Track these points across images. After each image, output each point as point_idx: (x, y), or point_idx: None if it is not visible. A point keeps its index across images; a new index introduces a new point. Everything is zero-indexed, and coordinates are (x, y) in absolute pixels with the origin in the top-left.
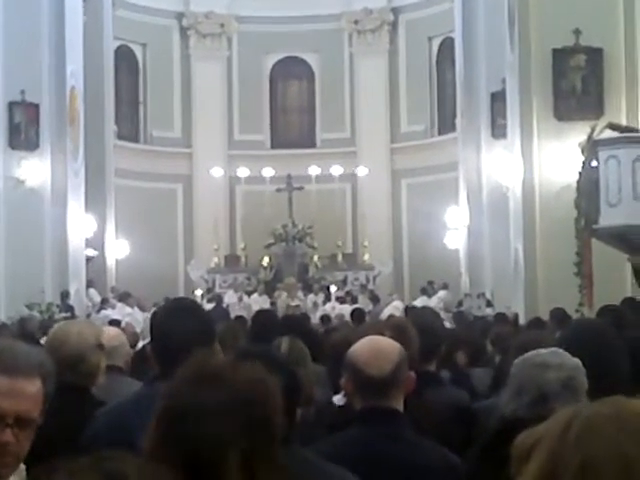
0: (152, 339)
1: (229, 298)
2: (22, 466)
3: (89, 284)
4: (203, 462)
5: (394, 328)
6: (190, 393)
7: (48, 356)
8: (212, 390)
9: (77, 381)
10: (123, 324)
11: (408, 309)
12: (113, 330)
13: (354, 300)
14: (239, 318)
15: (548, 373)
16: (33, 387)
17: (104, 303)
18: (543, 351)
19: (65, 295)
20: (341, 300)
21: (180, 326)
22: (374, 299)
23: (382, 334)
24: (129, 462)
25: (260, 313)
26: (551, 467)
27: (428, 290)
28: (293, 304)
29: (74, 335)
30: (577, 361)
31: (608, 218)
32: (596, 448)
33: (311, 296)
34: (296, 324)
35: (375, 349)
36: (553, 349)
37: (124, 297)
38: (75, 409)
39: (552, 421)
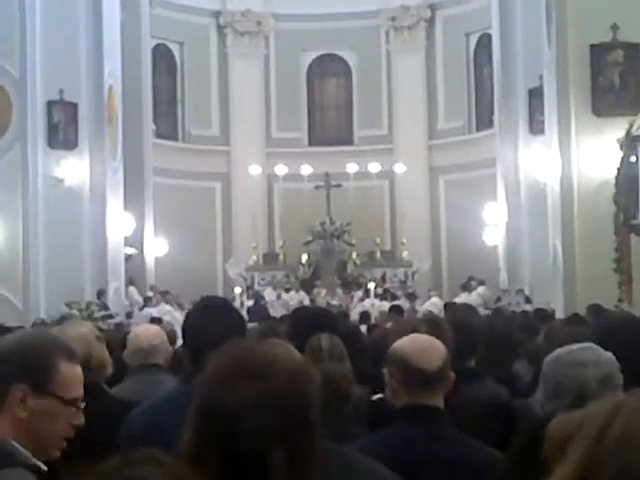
0: (184, 338)
1: (268, 295)
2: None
3: (130, 282)
4: (243, 462)
5: (429, 324)
6: (227, 390)
7: None
8: (251, 386)
9: (89, 378)
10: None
11: (447, 306)
12: (153, 328)
13: (393, 297)
14: (284, 317)
15: (587, 371)
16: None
17: (147, 301)
18: (574, 347)
19: (101, 293)
20: (381, 297)
21: (211, 325)
22: (412, 296)
23: (417, 330)
24: (154, 467)
25: (298, 310)
26: (585, 472)
27: (468, 286)
28: (333, 302)
29: (75, 335)
30: (611, 356)
31: None
32: (637, 457)
33: (352, 293)
34: (332, 321)
35: (424, 345)
36: (585, 344)
37: (163, 295)
38: (94, 406)
39: (590, 414)
